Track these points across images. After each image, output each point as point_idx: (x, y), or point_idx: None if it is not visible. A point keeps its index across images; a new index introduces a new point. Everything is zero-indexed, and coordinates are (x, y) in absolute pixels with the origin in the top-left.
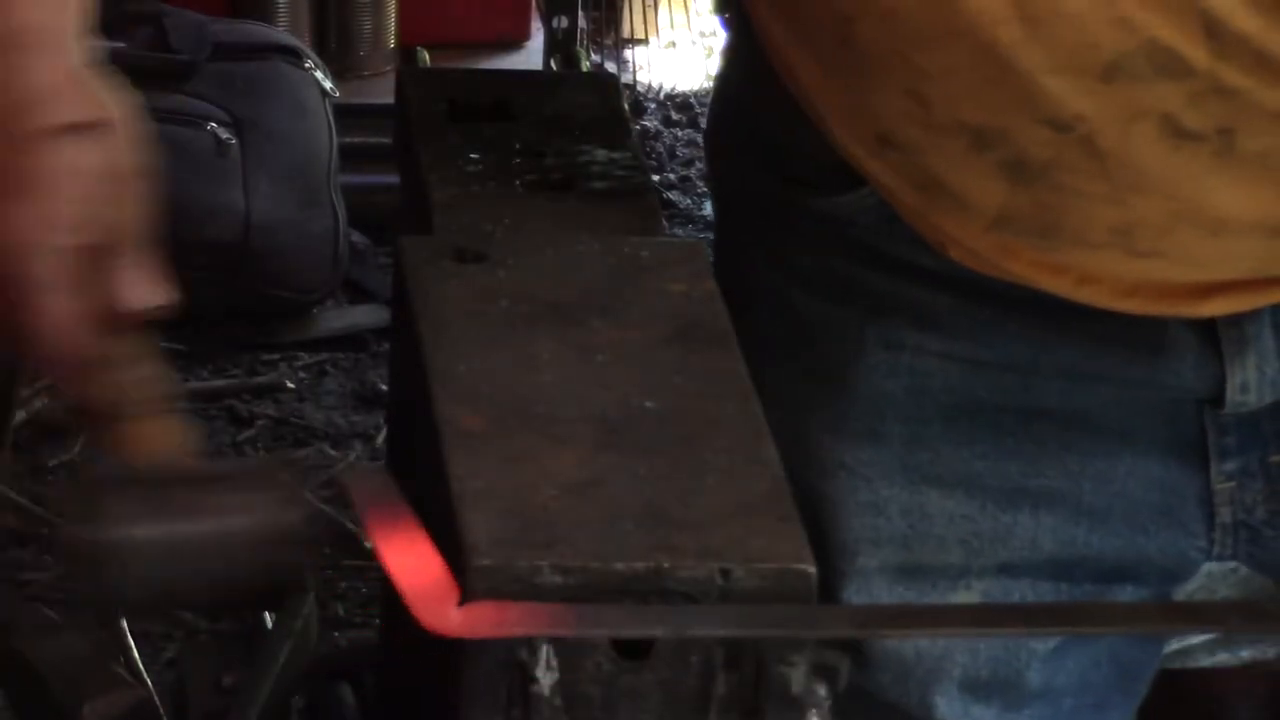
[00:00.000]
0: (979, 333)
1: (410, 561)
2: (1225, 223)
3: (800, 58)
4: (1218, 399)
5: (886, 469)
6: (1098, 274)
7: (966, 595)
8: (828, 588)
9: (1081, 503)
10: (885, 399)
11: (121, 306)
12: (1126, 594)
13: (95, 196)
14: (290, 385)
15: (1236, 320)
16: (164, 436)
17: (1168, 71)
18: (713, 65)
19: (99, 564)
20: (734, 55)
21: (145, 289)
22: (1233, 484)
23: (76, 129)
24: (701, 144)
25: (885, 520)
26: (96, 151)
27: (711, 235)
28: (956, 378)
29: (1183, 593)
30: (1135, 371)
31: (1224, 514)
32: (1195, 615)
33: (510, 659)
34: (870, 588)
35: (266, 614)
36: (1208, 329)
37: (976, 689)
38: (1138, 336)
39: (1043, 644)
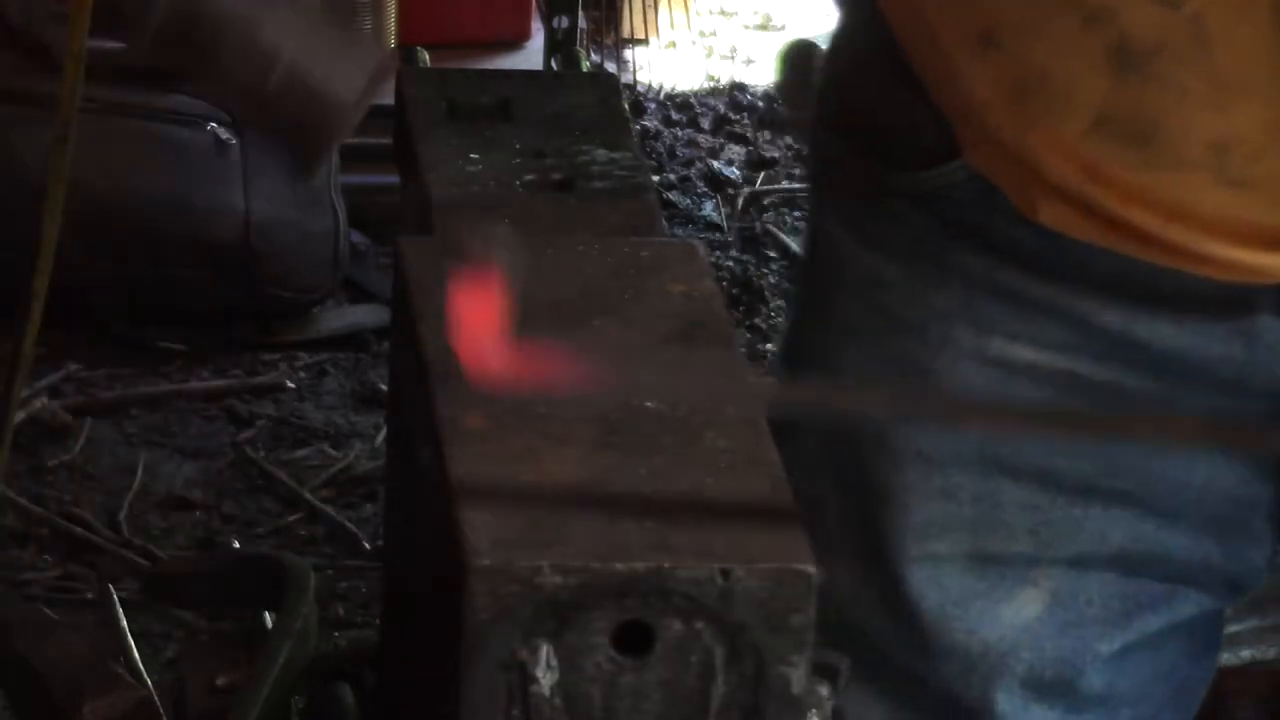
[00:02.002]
0: (1071, 325)
1: (476, 317)
2: None
3: None
4: None
5: (963, 457)
6: (1187, 206)
7: (1034, 590)
8: (896, 573)
9: (1154, 506)
10: (970, 388)
11: None
12: (1191, 601)
13: None
14: (290, 385)
15: None
16: None
17: None
18: (713, 65)
19: None
20: (845, 34)
21: None
22: None
23: None
24: (702, 144)
25: (956, 506)
26: None
27: (711, 235)
28: (1044, 373)
29: (1248, 599)
30: (1227, 370)
31: None
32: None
33: (511, 659)
34: (940, 574)
35: (266, 614)
36: None
37: (1039, 688)
38: (1232, 329)
39: (1107, 646)
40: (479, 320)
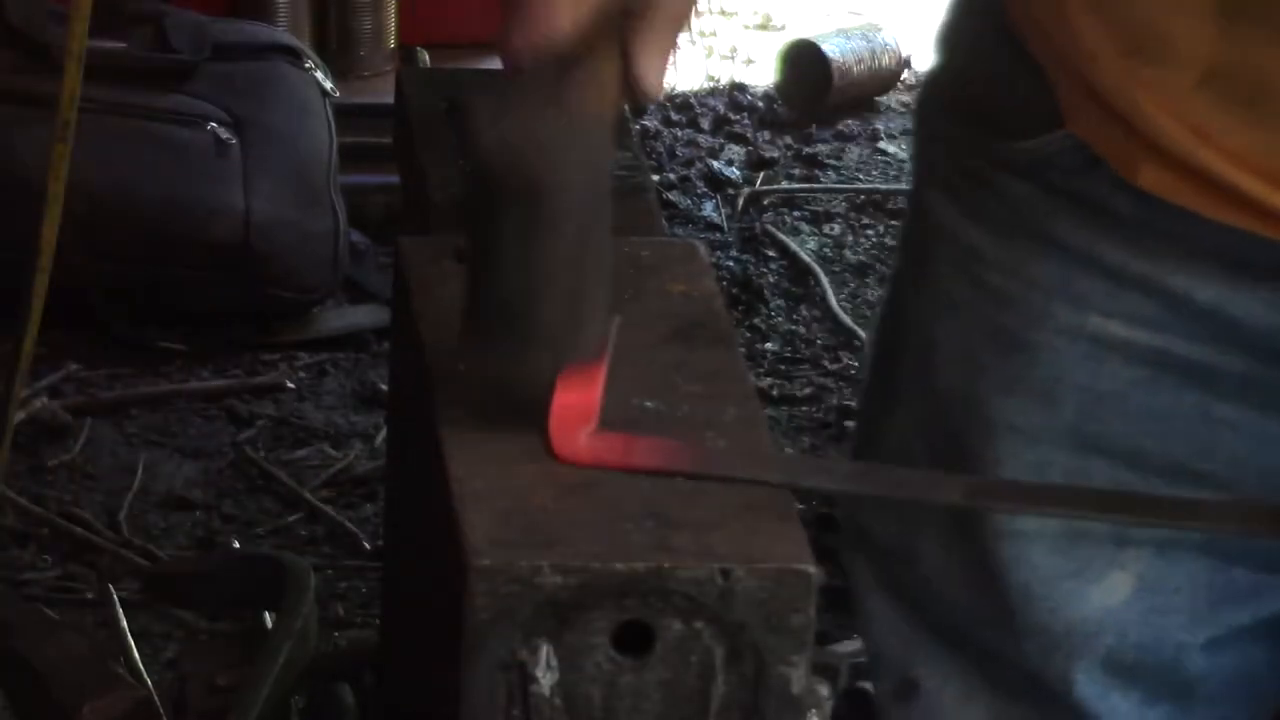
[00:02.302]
0: (1165, 302)
1: (571, 396)
2: None
3: None
4: None
5: (1056, 433)
6: None
7: (1122, 574)
8: (985, 547)
9: (1244, 491)
10: (1065, 363)
11: (629, 75)
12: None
13: None
14: (290, 385)
15: None
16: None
17: None
18: (713, 65)
19: None
20: (959, 6)
21: (652, 68)
22: None
23: None
24: (702, 144)
25: (1047, 482)
26: None
27: (711, 235)
28: (1139, 350)
29: None
30: None
31: None
32: None
33: (511, 659)
34: (1028, 551)
35: (266, 614)
36: None
37: (1119, 673)
38: None
39: (1190, 637)
40: (574, 404)
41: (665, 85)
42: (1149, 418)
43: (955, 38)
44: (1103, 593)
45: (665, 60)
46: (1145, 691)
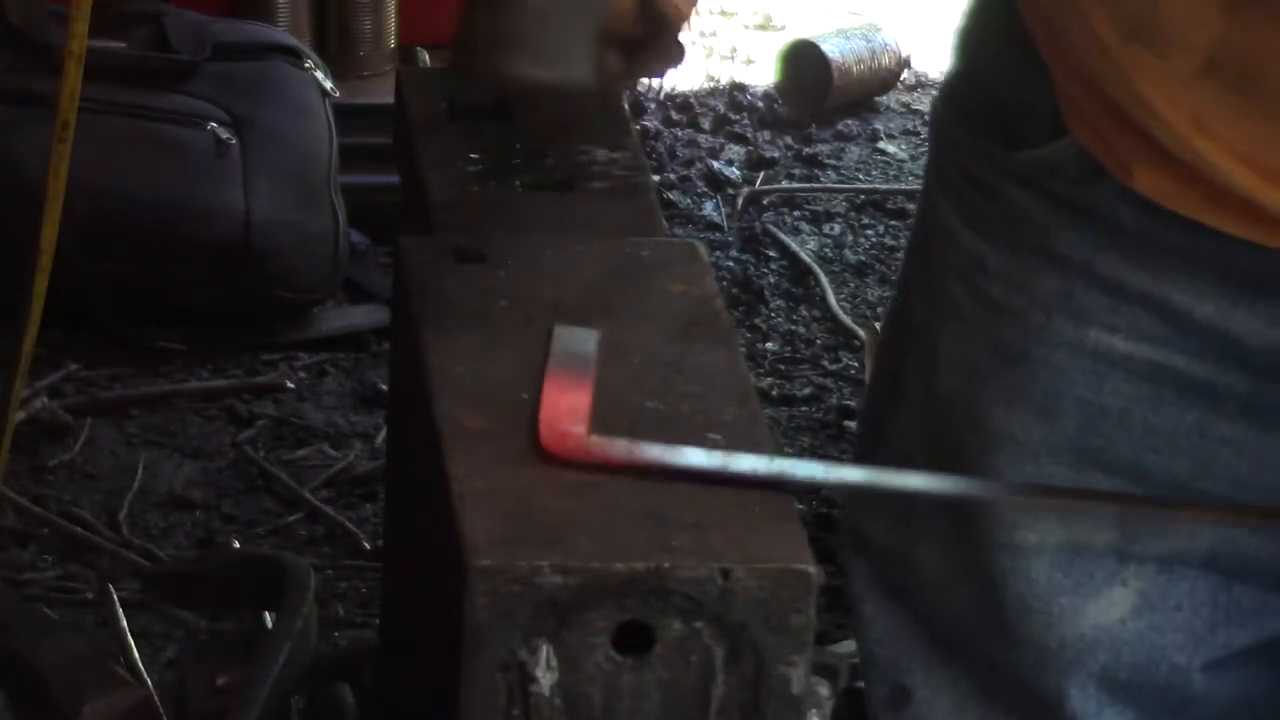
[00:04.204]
0: (1166, 317)
1: (561, 396)
2: None
3: None
4: None
5: (1056, 447)
6: None
7: (1123, 590)
8: (984, 558)
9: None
10: (1066, 377)
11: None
12: None
13: None
14: (290, 385)
15: None
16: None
17: None
18: (713, 65)
19: None
20: (975, 16)
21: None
22: None
23: None
24: (702, 144)
25: None
26: None
27: (711, 235)
28: (1140, 366)
29: None
30: None
31: None
32: None
33: (511, 659)
34: (1026, 565)
35: (266, 614)
36: None
37: (1115, 690)
38: None
39: (1188, 658)
40: (564, 405)
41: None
42: (1151, 434)
43: (968, 41)
44: (1100, 609)
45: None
46: (1140, 710)
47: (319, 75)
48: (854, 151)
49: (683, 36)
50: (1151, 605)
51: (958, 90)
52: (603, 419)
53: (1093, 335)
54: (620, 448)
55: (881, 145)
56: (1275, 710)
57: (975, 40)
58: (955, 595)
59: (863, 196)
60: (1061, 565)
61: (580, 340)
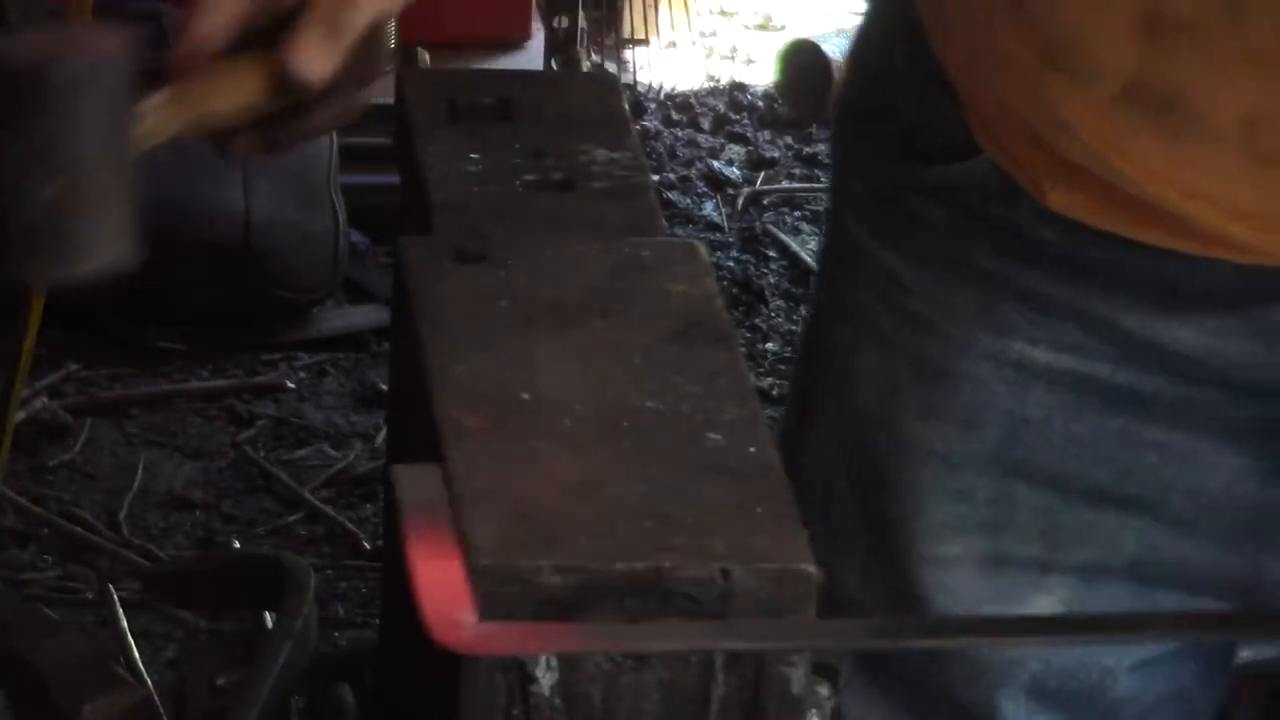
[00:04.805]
0: (1090, 328)
1: (436, 574)
2: None
3: None
4: None
5: (979, 459)
6: (1210, 184)
7: (1047, 599)
8: (907, 574)
9: (1169, 512)
10: (988, 390)
11: (284, 65)
12: (1207, 607)
13: None
14: (290, 385)
15: None
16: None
17: None
18: (713, 65)
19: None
20: (870, 30)
21: (314, 60)
22: None
23: None
24: (702, 144)
25: (971, 508)
26: None
27: (711, 235)
28: (1062, 376)
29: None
30: (1247, 372)
31: None
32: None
33: (511, 659)
34: (950, 578)
35: (266, 614)
36: None
37: (1045, 697)
38: (1253, 330)
39: (1115, 661)
40: (439, 581)
41: (324, 73)
42: (1073, 442)
43: (865, 56)
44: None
45: (326, 52)
46: (1071, 715)
47: None
48: None
49: (681, 37)
50: (1075, 613)
51: (858, 106)
52: (603, 420)
53: (1016, 348)
54: (514, 633)
55: None
56: (1207, 696)
57: (873, 54)
58: (879, 614)
59: None
60: (985, 576)
61: (425, 482)
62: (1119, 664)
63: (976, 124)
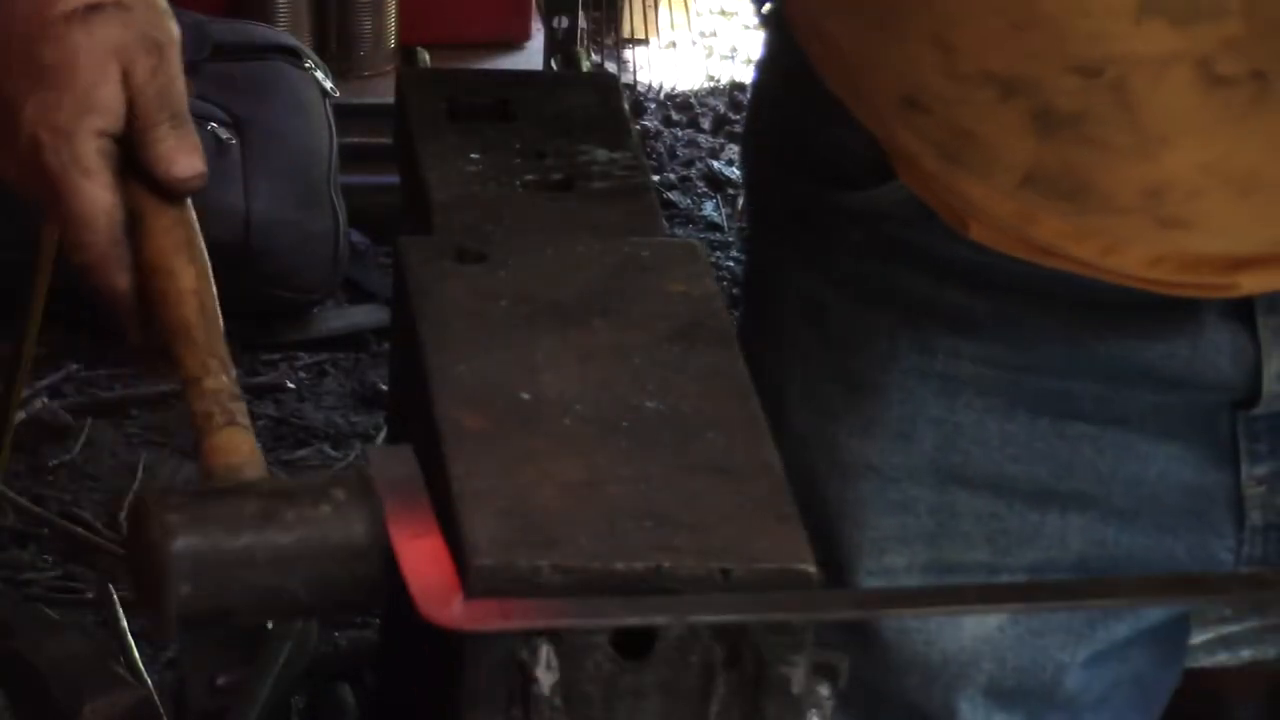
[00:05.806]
0: (1015, 336)
1: (420, 553)
2: (1257, 177)
3: (830, 22)
4: (1253, 398)
5: (916, 470)
6: (1125, 242)
7: None
8: (852, 586)
9: (1111, 505)
10: (917, 402)
11: (164, 178)
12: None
13: (123, 73)
14: (290, 385)
15: (1274, 306)
16: (237, 447)
17: (1202, 12)
18: (713, 65)
19: (164, 575)
20: (771, 56)
21: (185, 159)
22: (1263, 488)
23: (95, 7)
24: (702, 144)
25: (914, 518)
26: (117, 26)
27: (711, 235)
28: (990, 382)
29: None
30: (1173, 367)
31: (1254, 517)
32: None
33: (510, 659)
34: (898, 585)
35: None
36: (1245, 318)
37: (1001, 696)
38: (1176, 330)
39: (1070, 655)
40: (425, 561)
41: (196, 168)
42: (1009, 442)
43: (772, 85)
44: (977, 620)
45: (184, 148)
46: (1029, 713)
47: (319, 75)
48: None
49: (681, 37)
50: (1027, 612)
51: (766, 133)
52: (602, 420)
53: (939, 361)
54: (505, 609)
55: None
56: (1163, 680)
57: (778, 84)
58: (830, 629)
59: None
60: (932, 581)
61: (398, 462)
62: (1073, 659)
63: (893, 156)
